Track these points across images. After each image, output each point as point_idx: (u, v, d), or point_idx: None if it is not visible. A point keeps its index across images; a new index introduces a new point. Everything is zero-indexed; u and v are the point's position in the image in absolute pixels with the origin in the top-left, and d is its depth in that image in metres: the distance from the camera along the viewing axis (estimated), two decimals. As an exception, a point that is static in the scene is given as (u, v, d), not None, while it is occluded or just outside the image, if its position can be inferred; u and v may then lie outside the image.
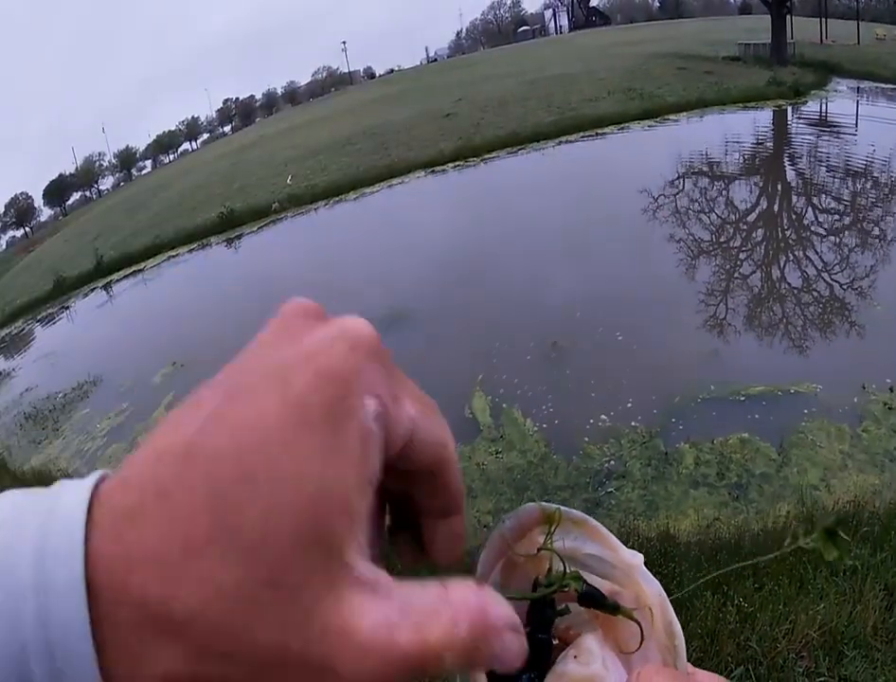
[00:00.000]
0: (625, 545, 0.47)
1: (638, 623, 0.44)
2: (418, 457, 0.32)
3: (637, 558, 0.46)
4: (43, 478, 8.11)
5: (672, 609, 0.45)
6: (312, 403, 0.26)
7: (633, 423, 6.21)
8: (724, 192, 13.24)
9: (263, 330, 0.30)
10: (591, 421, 6.41)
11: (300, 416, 0.26)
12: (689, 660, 0.45)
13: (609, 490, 5.43)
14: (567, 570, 0.45)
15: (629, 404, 6.51)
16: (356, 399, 0.27)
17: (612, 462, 5.75)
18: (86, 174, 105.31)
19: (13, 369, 15.32)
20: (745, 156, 15.75)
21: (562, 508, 0.46)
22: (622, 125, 20.10)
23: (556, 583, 0.43)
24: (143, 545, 0.25)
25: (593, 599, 0.44)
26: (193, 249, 20.41)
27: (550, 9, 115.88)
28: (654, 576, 0.46)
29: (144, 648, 0.25)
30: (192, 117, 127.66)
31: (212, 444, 0.25)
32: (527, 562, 0.46)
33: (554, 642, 0.45)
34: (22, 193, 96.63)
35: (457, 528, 0.37)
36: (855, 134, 16.05)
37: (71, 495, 0.26)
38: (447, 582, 0.30)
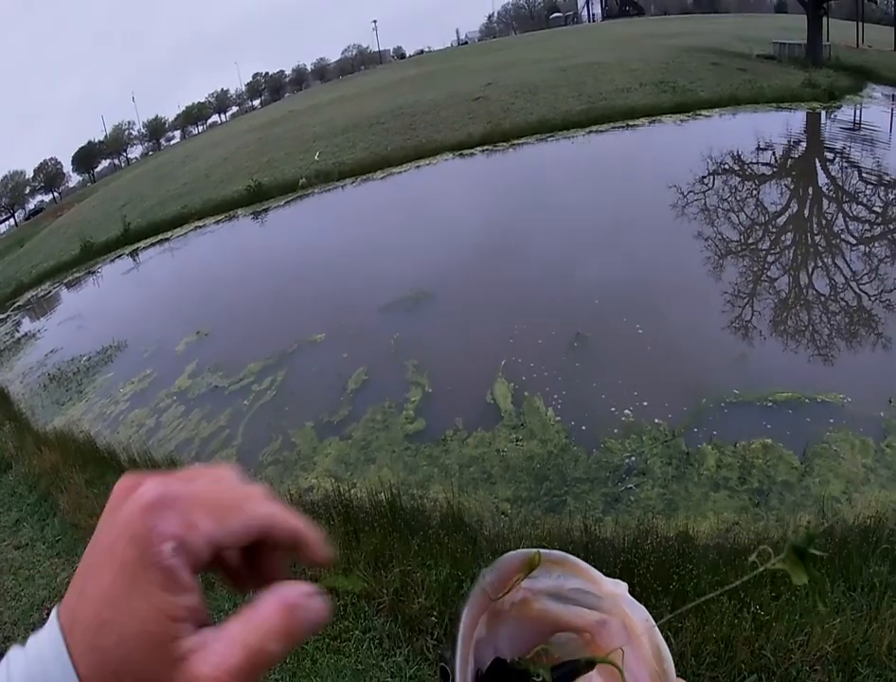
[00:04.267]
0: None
1: (619, 668, 0.46)
2: (245, 539, 0.44)
3: (621, 587, 0.49)
4: (64, 439, 8.22)
5: (660, 634, 0.47)
6: (130, 563, 0.40)
7: (656, 420, 6.20)
8: (753, 193, 13.08)
9: (107, 508, 0.44)
10: (614, 413, 6.41)
11: (127, 575, 0.40)
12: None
13: (629, 486, 5.43)
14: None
15: (653, 401, 6.49)
16: (156, 548, 0.40)
17: (633, 458, 5.75)
18: (115, 142, 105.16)
19: (39, 331, 15.52)
20: (777, 158, 15.55)
21: (541, 550, 0.49)
22: (653, 118, 19.88)
23: (528, 668, 0.47)
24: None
25: (567, 679, 0.46)
26: (220, 220, 20.54)
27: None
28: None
29: None
30: (222, 90, 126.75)
31: (82, 612, 0.41)
32: (511, 609, 0.49)
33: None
34: (51, 159, 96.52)
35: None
36: (889, 142, 15.80)
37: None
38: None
